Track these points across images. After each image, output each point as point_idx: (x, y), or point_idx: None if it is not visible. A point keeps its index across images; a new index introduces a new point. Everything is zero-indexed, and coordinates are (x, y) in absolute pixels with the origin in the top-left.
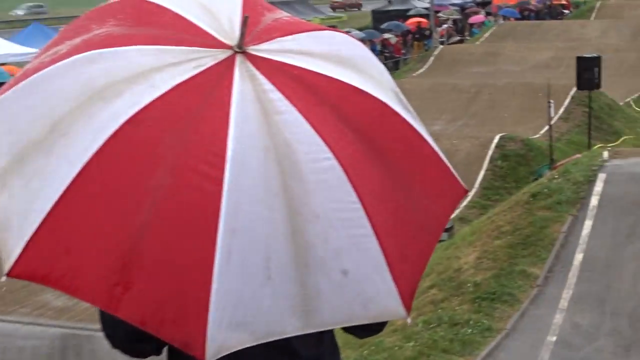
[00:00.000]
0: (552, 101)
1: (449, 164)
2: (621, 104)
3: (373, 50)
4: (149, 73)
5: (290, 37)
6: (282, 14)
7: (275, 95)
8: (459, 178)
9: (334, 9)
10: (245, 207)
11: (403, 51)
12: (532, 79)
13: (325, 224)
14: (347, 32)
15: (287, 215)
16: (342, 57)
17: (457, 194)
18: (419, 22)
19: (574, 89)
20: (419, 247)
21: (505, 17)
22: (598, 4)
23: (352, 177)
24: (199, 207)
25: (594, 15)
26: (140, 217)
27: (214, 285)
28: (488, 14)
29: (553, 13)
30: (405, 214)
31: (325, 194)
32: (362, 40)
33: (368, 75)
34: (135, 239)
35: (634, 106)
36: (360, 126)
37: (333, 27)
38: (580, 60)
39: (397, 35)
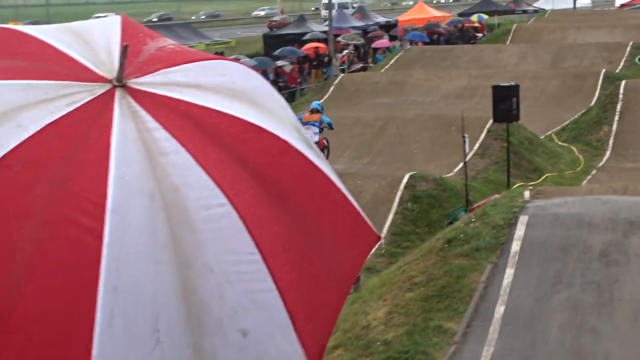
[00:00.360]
0: (466, 135)
1: (359, 208)
2: (542, 137)
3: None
4: (16, 111)
5: (176, 68)
6: (167, 42)
7: (161, 134)
8: (370, 223)
9: (271, 28)
10: (128, 262)
11: (299, 80)
12: (443, 111)
13: (220, 278)
14: (236, 60)
15: (177, 270)
16: (236, 89)
17: (369, 241)
18: (317, 48)
19: (490, 122)
20: (328, 301)
21: (412, 42)
22: (514, 27)
23: (250, 225)
24: (76, 263)
25: (509, 39)
26: (9, 277)
27: (95, 352)
28: (393, 38)
29: (465, 37)
30: (311, 265)
31: (220, 245)
32: (253, 69)
33: (266, 109)
34: (4, 302)
35: (556, 140)
36: (258, 167)
37: (220, 55)
38: (497, 89)
39: (292, 63)
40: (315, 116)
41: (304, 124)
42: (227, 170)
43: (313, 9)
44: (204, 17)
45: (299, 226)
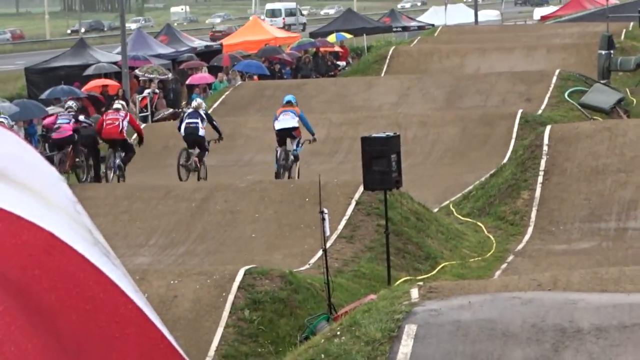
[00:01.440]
0: (325, 210)
1: (166, 332)
2: (436, 210)
3: (30, 137)
4: None
5: None
6: None
7: None
8: (183, 355)
9: (214, 40)
10: None
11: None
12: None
13: None
14: None
15: None
16: None
17: None
18: (105, 87)
19: (361, 189)
20: None
21: (244, 75)
22: (390, 51)
23: None
24: None
25: (385, 68)
26: None
27: None
28: (217, 69)
29: (321, 67)
30: None
31: None
32: (15, 118)
33: (27, 188)
34: None
35: (456, 213)
36: (9, 274)
37: None
38: (368, 142)
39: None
40: (294, 107)
41: (279, 115)
42: None
43: (80, 29)
44: None
45: None
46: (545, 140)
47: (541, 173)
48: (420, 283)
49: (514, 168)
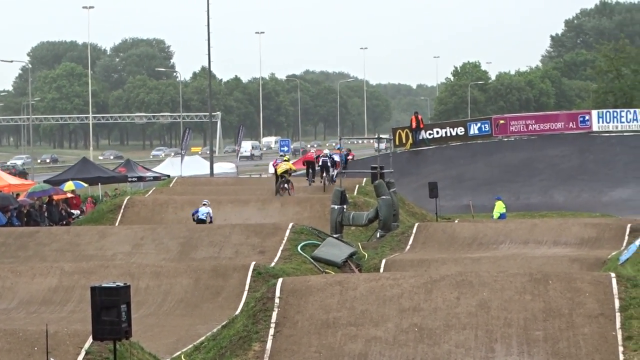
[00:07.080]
0: None
1: None
2: None
3: None
4: None
5: None
6: None
7: None
8: None
9: None
10: None
11: None
12: (23, 323)
13: None
14: None
15: None
16: None
17: None
18: None
19: (90, 340)
20: None
21: None
22: (125, 201)
23: None
24: None
25: (119, 218)
26: None
27: None
28: None
29: (54, 215)
30: None
31: None
32: None
33: None
34: None
35: None
36: None
37: None
38: (98, 292)
39: None
40: None
41: None
42: None
43: None
44: None
45: None
46: (277, 293)
47: (272, 325)
48: None
49: (245, 320)
